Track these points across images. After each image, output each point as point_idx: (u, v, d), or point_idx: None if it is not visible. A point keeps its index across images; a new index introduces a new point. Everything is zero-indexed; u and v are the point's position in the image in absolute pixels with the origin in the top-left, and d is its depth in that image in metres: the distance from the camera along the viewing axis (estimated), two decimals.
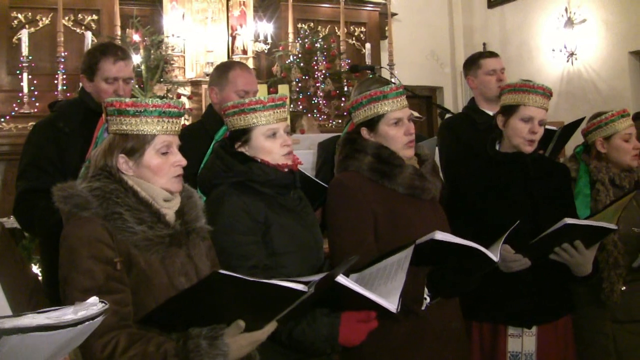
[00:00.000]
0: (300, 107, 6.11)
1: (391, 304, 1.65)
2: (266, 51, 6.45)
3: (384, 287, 1.73)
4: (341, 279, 1.62)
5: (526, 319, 2.38)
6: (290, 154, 2.04)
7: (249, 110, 1.97)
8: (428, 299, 1.98)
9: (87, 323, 1.13)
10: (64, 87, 5.15)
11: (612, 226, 2.25)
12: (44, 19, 5.59)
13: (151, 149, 1.69)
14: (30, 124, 4.66)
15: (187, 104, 5.82)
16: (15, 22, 5.51)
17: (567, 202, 2.51)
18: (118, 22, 5.59)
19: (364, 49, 6.74)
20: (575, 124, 3.13)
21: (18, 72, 5.20)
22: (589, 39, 7.04)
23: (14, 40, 5.43)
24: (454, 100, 8.49)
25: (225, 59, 6.03)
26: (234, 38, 6.38)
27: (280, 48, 6.38)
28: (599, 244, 2.35)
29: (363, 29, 7.15)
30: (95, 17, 5.80)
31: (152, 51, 5.56)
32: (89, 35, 5.45)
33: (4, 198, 4.77)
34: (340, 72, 6.45)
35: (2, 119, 5.15)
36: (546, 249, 2.29)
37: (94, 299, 1.18)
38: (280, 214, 1.99)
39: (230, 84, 2.85)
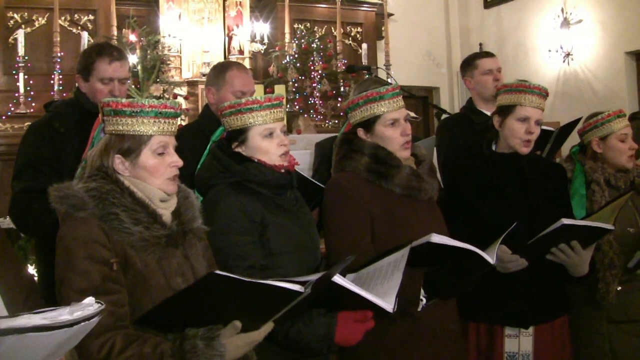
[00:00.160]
0: (297, 107, 6.12)
1: (388, 304, 1.65)
2: (262, 51, 6.45)
3: (380, 287, 1.73)
4: (338, 278, 1.62)
5: (523, 320, 2.37)
6: (287, 155, 2.04)
7: (246, 110, 1.97)
8: (424, 301, 1.97)
9: (83, 324, 1.12)
10: (60, 87, 5.15)
11: (610, 226, 2.26)
12: (40, 19, 5.57)
13: (147, 149, 1.68)
14: (26, 124, 4.66)
15: (184, 105, 5.83)
16: (12, 22, 5.50)
17: (563, 203, 2.51)
18: (114, 22, 5.58)
19: (361, 49, 6.76)
20: (572, 125, 3.14)
21: (14, 72, 5.20)
22: (585, 40, 7.06)
23: (10, 40, 5.43)
24: (450, 101, 8.50)
25: (221, 59, 6.03)
26: (230, 38, 6.38)
27: (277, 48, 6.38)
28: (595, 244, 2.36)
29: (359, 29, 7.16)
30: (91, 17, 5.79)
31: (148, 51, 5.56)
32: (85, 35, 5.44)
33: (0, 198, 4.75)
34: (336, 72, 6.45)
35: None
36: (543, 250, 2.30)
37: (90, 300, 1.18)
38: (277, 214, 1.99)
39: (227, 84, 2.84)
